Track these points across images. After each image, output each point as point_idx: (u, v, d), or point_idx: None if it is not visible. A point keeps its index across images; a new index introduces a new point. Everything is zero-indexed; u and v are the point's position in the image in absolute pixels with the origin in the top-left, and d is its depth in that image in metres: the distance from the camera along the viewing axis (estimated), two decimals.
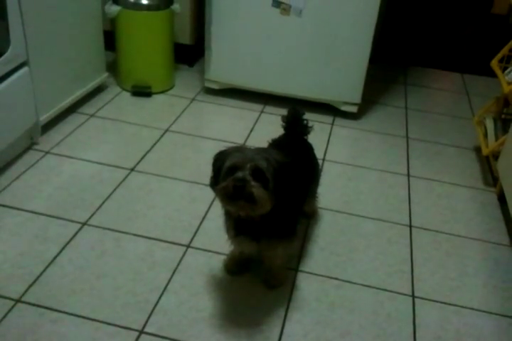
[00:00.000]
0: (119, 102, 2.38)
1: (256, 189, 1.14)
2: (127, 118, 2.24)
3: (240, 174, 1.15)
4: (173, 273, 1.47)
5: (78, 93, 2.22)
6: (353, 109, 2.42)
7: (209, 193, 1.80)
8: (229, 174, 1.17)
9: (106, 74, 2.41)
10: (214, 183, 1.24)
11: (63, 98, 2.12)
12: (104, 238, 1.57)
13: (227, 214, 1.33)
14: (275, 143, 1.55)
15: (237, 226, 1.29)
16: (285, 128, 1.61)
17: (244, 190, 1.13)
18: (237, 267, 1.49)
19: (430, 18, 3.40)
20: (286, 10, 2.27)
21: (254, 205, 1.16)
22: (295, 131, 1.59)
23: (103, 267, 1.47)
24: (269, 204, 1.18)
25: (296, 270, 1.53)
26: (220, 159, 1.23)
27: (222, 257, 1.53)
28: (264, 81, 2.41)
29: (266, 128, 2.31)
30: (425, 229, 1.77)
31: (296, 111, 1.59)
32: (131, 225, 1.63)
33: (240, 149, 1.22)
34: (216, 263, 1.52)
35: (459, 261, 1.65)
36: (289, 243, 1.36)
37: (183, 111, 2.36)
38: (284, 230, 1.32)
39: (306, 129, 1.61)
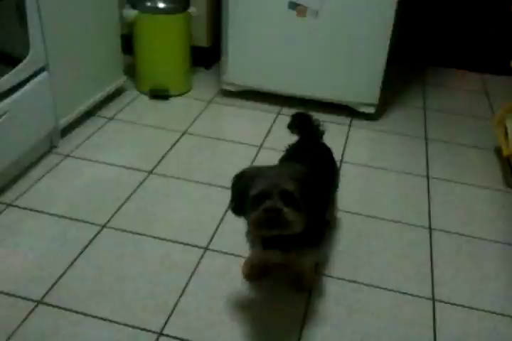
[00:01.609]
0: (137, 105, 2.40)
1: (290, 215, 1.12)
2: (145, 121, 2.26)
3: (270, 203, 1.11)
4: (192, 275, 1.47)
5: (97, 96, 2.24)
6: (371, 110, 2.40)
7: (226, 195, 1.81)
8: (257, 202, 1.13)
9: (124, 78, 2.44)
10: (237, 209, 1.22)
11: (82, 102, 2.15)
12: (123, 240, 1.58)
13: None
14: (293, 150, 1.53)
15: (264, 241, 1.27)
16: (299, 133, 1.58)
17: (278, 219, 1.11)
18: (256, 273, 1.48)
19: (448, 17, 3.36)
20: (302, 11, 2.27)
21: (287, 229, 1.14)
22: (310, 136, 1.57)
23: (122, 269, 1.48)
24: (303, 224, 1.15)
25: (314, 273, 1.53)
26: (241, 184, 1.19)
27: (240, 260, 1.53)
28: (281, 83, 2.41)
29: (283, 130, 2.27)
30: (445, 231, 1.75)
31: (305, 115, 1.56)
32: (149, 228, 1.64)
33: (260, 172, 1.18)
34: (234, 266, 1.52)
35: (480, 263, 1.62)
36: (317, 250, 1.35)
37: (200, 114, 2.37)
38: (313, 238, 1.29)
39: (320, 132, 1.59)
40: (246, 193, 1.16)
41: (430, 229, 1.75)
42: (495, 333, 1.39)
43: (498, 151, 2.22)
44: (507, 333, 1.39)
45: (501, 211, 1.87)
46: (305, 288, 1.46)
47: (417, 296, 1.48)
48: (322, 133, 1.60)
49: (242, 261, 1.52)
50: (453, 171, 2.08)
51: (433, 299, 1.48)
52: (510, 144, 2.05)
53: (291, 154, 1.51)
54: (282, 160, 1.51)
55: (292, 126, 1.57)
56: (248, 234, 1.34)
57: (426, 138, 2.31)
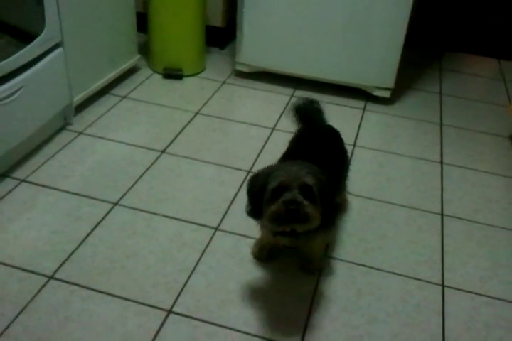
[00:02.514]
0: (151, 84, 2.39)
1: (310, 209, 1.10)
2: (158, 101, 2.25)
3: (289, 195, 1.09)
4: (202, 254, 1.48)
5: (111, 75, 2.23)
6: (386, 94, 2.36)
7: (238, 176, 1.82)
8: (275, 196, 1.11)
9: (138, 56, 2.42)
10: (254, 212, 1.19)
11: (96, 79, 2.14)
12: (134, 218, 1.59)
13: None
14: (302, 136, 1.51)
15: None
16: (304, 121, 1.56)
17: (298, 212, 1.09)
18: (265, 255, 1.48)
19: (466, 2, 3.28)
20: None
21: (305, 225, 1.13)
22: (314, 122, 1.55)
23: (133, 247, 1.49)
24: (320, 219, 1.14)
25: (324, 256, 1.53)
26: (257, 182, 1.17)
27: (250, 241, 1.54)
28: (295, 64, 2.38)
29: None
30: (457, 217, 1.73)
31: (308, 101, 1.55)
32: (161, 206, 1.65)
33: (277, 168, 1.17)
34: (244, 247, 1.52)
35: (491, 251, 1.61)
36: (328, 233, 1.34)
37: (213, 94, 2.35)
38: (324, 222, 1.27)
39: (322, 115, 1.57)
40: (263, 190, 1.13)
41: (442, 215, 1.74)
42: (503, 320, 1.38)
43: None
44: None
45: None
46: (314, 270, 1.47)
47: (427, 281, 1.48)
48: (323, 115, 1.58)
49: (252, 241, 1.53)
50: (467, 158, 2.06)
51: (442, 285, 1.48)
52: None
53: (298, 142, 1.50)
54: (290, 147, 1.50)
55: (295, 118, 1.57)
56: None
57: (441, 124, 2.28)
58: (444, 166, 2.00)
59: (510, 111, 2.25)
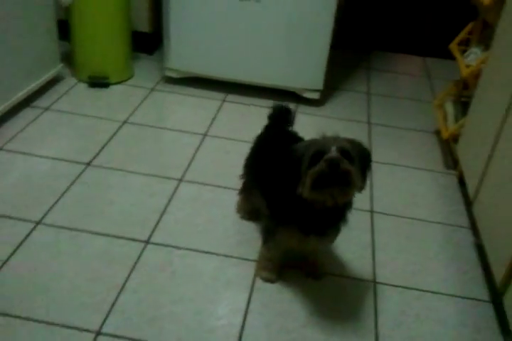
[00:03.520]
0: (75, 94, 2.30)
1: (352, 168, 1.10)
2: (84, 111, 2.17)
3: (331, 155, 1.10)
4: (132, 270, 1.44)
5: (31, 86, 2.14)
6: (316, 96, 2.40)
7: (169, 186, 1.78)
8: (315, 160, 1.11)
9: (61, 65, 2.33)
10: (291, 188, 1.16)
11: (16, 91, 2.04)
12: (59, 237, 1.52)
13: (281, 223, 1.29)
14: (266, 141, 1.51)
15: (302, 226, 1.25)
16: (272, 123, 1.56)
17: (340, 168, 1.08)
18: (277, 275, 1.45)
19: (392, 2, 3.39)
20: None
21: (348, 188, 1.12)
22: (284, 126, 1.55)
23: (58, 267, 1.42)
24: (360, 186, 1.15)
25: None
26: (296, 155, 1.16)
27: (182, 252, 1.51)
28: (225, 69, 2.37)
29: (228, 116, 2.28)
30: (386, 214, 1.78)
31: (284, 108, 1.56)
32: (87, 222, 1.59)
33: (312, 141, 1.18)
34: (176, 259, 1.49)
35: (420, 244, 1.66)
36: (338, 233, 1.34)
37: (142, 102, 2.30)
38: (345, 217, 1.29)
39: (292, 122, 1.59)
40: (302, 159, 1.13)
41: (372, 212, 1.78)
42: (433, 312, 1.43)
43: (438, 134, 2.27)
44: (444, 311, 1.43)
45: (441, 192, 1.92)
46: (322, 275, 1.47)
47: (359, 279, 1.51)
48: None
49: (184, 252, 1.50)
50: (395, 154, 2.12)
51: (374, 281, 1.50)
52: (449, 127, 2.11)
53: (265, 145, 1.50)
54: (255, 151, 1.52)
55: (272, 117, 1.56)
56: (268, 233, 1.35)
57: (369, 123, 2.34)
58: (374, 164, 2.03)
59: (434, 107, 2.34)
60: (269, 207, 1.39)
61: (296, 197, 1.18)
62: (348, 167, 1.11)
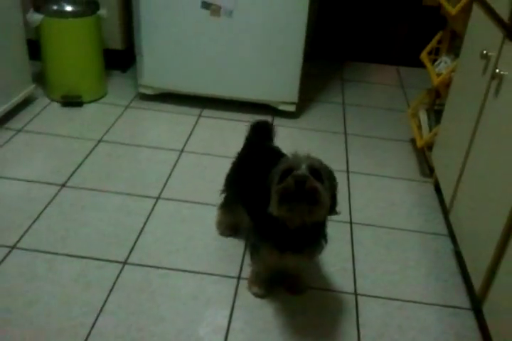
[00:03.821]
0: (49, 114, 2.28)
1: (320, 186, 1.10)
2: (57, 131, 2.15)
3: (299, 172, 1.10)
4: (110, 292, 1.41)
5: (3, 107, 2.11)
6: (291, 108, 2.41)
7: (146, 204, 1.76)
8: (284, 177, 1.11)
9: (33, 86, 2.31)
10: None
11: None
12: (34, 261, 1.49)
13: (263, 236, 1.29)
14: (247, 156, 1.52)
15: (279, 243, 1.25)
16: (253, 139, 1.56)
17: (306, 185, 1.08)
18: (266, 289, 1.44)
19: (363, 13, 3.45)
20: (216, 11, 2.24)
21: (315, 207, 1.11)
22: (265, 141, 1.56)
23: (33, 292, 1.39)
24: (328, 206, 1.14)
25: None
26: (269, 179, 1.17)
27: (161, 271, 1.49)
28: (199, 84, 2.37)
29: (205, 132, 2.27)
30: (365, 224, 1.78)
31: (265, 124, 1.57)
32: (63, 245, 1.56)
33: (285, 158, 1.19)
34: (155, 278, 1.47)
35: (399, 254, 1.67)
36: (320, 249, 1.33)
37: (116, 120, 2.28)
38: (323, 234, 1.29)
39: (273, 137, 1.59)
40: (273, 176, 1.14)
41: (351, 223, 1.78)
42: (415, 321, 1.43)
43: (413, 142, 2.29)
44: (426, 320, 1.43)
45: (419, 200, 1.94)
46: (304, 289, 1.47)
47: (341, 292, 1.50)
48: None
49: (163, 272, 1.48)
50: (372, 164, 2.13)
51: (355, 293, 1.50)
52: (423, 135, 2.13)
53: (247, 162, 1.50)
54: (236, 167, 1.53)
55: (254, 132, 1.57)
56: (253, 248, 1.34)
57: (345, 133, 2.35)
58: (351, 175, 2.05)
59: (408, 116, 2.37)
60: (252, 220, 1.39)
61: (270, 215, 1.18)
62: (315, 184, 1.10)
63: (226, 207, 1.61)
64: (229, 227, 1.64)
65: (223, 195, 1.60)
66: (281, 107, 2.41)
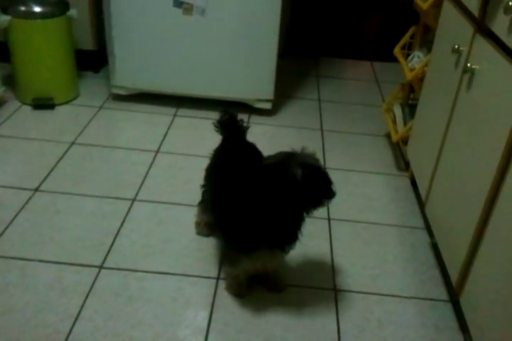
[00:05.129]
0: (19, 118, 2.23)
1: None
2: (29, 135, 2.10)
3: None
4: (86, 298, 1.39)
5: None
6: (267, 106, 2.40)
7: (122, 207, 1.74)
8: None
9: (2, 89, 2.26)
10: None
11: None
12: (7, 268, 1.46)
13: None
14: (224, 153, 1.50)
15: (256, 238, 1.26)
16: (224, 133, 1.55)
17: None
18: (246, 288, 1.44)
19: (337, 8, 3.46)
20: (188, 9, 2.21)
21: None
22: (235, 135, 1.54)
23: (6, 301, 1.35)
24: None
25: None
26: None
27: (140, 274, 1.47)
28: (173, 83, 2.34)
29: (181, 132, 2.25)
30: (343, 220, 1.79)
31: (231, 114, 1.55)
32: (37, 251, 1.52)
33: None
34: (133, 282, 1.45)
35: (377, 249, 1.68)
36: (293, 246, 1.33)
37: (90, 121, 2.24)
38: (293, 234, 1.29)
39: (245, 130, 1.57)
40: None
41: (329, 219, 1.78)
42: (394, 316, 1.43)
43: (389, 137, 2.31)
44: (405, 313, 1.44)
45: (395, 194, 1.95)
46: (283, 287, 1.47)
47: (320, 288, 1.50)
48: (246, 131, 1.58)
49: (140, 275, 1.46)
50: (348, 160, 2.14)
51: (334, 289, 1.50)
52: (398, 129, 2.15)
53: (223, 157, 1.50)
54: (213, 164, 1.51)
55: (220, 128, 1.55)
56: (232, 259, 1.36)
57: (321, 130, 2.36)
58: (328, 171, 2.05)
59: (383, 111, 2.38)
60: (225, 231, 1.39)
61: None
62: None
63: (205, 202, 1.59)
64: (208, 224, 1.63)
65: (202, 191, 1.59)
66: (258, 105, 2.40)
